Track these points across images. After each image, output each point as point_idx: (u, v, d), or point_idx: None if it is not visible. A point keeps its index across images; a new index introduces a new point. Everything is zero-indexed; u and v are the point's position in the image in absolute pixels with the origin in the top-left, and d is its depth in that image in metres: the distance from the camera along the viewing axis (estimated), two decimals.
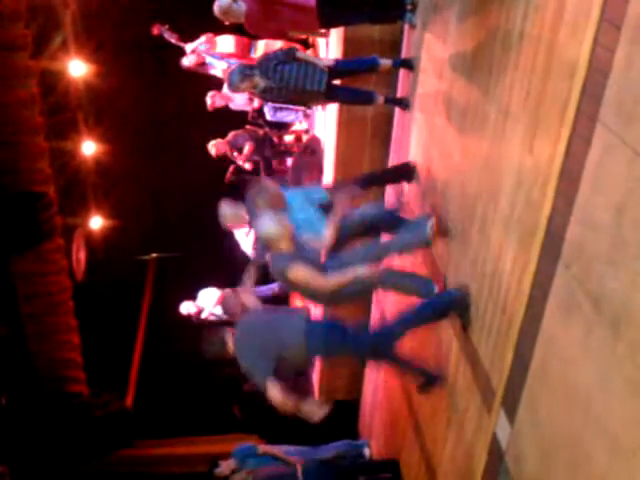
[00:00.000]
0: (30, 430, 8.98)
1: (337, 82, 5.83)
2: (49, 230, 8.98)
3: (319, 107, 8.34)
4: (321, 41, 7.99)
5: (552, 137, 3.06)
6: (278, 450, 6.07)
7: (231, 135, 9.22)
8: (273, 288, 8.36)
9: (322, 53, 8.00)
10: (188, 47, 8.51)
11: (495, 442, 3.70)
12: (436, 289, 4.65)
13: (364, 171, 6.60)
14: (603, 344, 2.60)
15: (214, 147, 9.09)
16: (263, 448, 6.02)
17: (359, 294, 4.88)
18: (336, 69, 5.57)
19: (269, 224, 4.32)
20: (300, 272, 4.28)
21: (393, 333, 4.50)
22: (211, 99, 8.92)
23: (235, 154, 9.19)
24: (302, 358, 4.50)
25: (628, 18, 2.49)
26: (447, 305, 4.37)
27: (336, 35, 6.92)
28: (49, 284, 9.45)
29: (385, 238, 5.31)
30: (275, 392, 4.22)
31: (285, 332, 4.44)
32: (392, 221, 5.11)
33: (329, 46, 7.54)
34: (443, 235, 4.71)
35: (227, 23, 5.88)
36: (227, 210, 5.09)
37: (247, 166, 9.36)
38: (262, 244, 4.55)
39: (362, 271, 4.31)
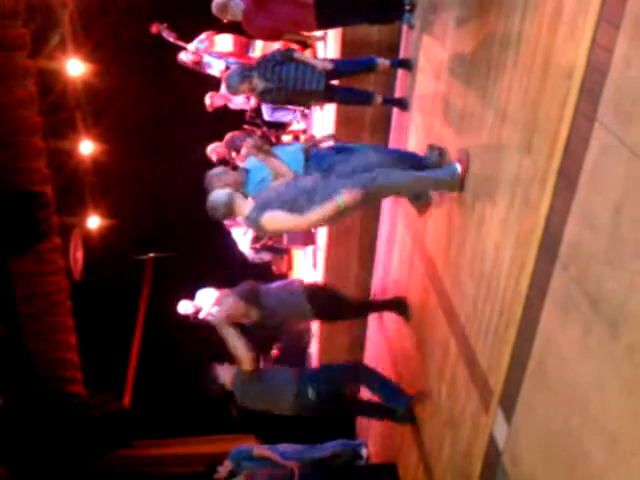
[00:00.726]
0: (28, 431, 8.97)
1: (335, 82, 5.83)
2: (47, 230, 8.98)
3: (317, 107, 8.34)
4: (319, 45, 7.98)
5: (550, 137, 3.06)
6: (274, 455, 6.05)
7: (229, 136, 9.21)
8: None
9: (320, 53, 8.00)
10: (188, 46, 8.50)
11: (492, 442, 3.70)
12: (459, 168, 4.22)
13: None
14: (601, 344, 2.60)
15: (214, 153, 9.07)
16: (258, 451, 6.01)
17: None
18: (334, 69, 5.57)
19: (215, 194, 4.31)
20: (275, 220, 4.12)
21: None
22: (210, 99, 8.91)
23: (234, 155, 9.18)
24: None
25: (626, 18, 2.49)
26: None
27: (334, 36, 6.92)
28: (47, 284, 9.44)
29: None
30: None
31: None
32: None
33: (327, 46, 7.54)
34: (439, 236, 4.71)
35: (225, 21, 5.88)
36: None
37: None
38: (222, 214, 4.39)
39: (343, 199, 4.00)
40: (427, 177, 4.37)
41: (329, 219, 4.17)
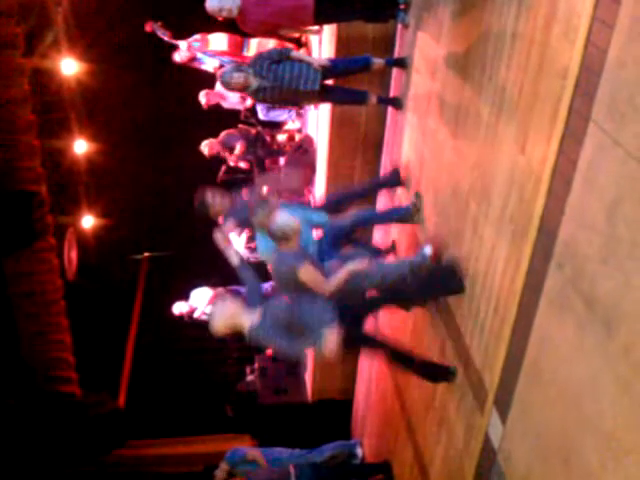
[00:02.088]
0: (22, 431, 8.94)
1: (330, 82, 5.82)
2: (41, 229, 8.94)
3: (311, 107, 8.33)
4: (314, 40, 7.98)
5: (545, 136, 3.06)
6: (264, 460, 6.02)
7: (223, 135, 9.20)
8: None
9: (315, 52, 7.99)
10: (182, 44, 8.48)
11: (487, 441, 3.71)
12: (429, 253, 4.69)
13: (356, 169, 6.61)
14: (596, 343, 2.60)
15: (207, 147, 9.07)
16: (252, 455, 5.99)
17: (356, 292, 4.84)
18: (329, 69, 5.56)
19: (288, 217, 4.38)
20: (310, 272, 4.32)
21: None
22: (205, 97, 8.90)
23: (227, 154, 9.18)
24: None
25: (620, 17, 2.49)
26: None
27: (329, 34, 6.91)
28: (41, 283, 9.40)
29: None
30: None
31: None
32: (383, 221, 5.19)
33: (322, 45, 7.53)
34: (436, 236, 4.71)
35: (220, 19, 5.86)
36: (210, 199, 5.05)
37: (242, 165, 9.34)
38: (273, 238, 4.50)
39: (354, 265, 4.36)
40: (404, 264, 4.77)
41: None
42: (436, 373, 4.56)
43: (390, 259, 5.34)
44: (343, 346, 4.09)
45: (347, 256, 4.83)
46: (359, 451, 7.25)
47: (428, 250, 4.68)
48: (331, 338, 4.04)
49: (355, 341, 4.68)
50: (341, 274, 4.34)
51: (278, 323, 4.10)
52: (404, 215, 5.37)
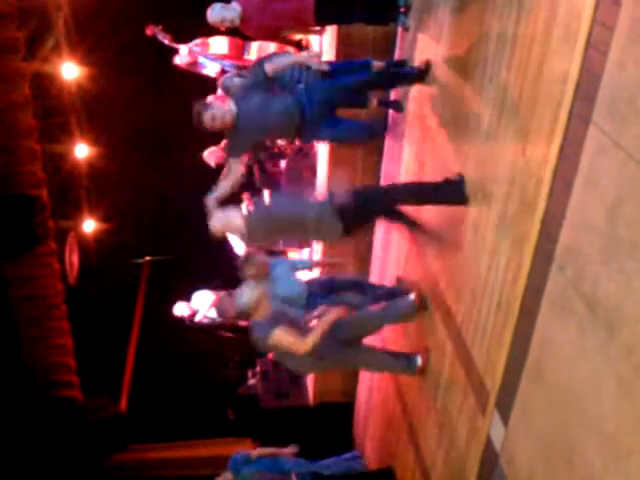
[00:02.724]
0: (23, 435, 8.94)
1: None
2: (42, 234, 8.95)
3: None
4: (314, 41, 7.98)
5: (545, 139, 3.06)
6: (271, 450, 6.05)
7: (226, 141, 9.17)
8: None
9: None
10: (183, 48, 8.48)
11: (489, 444, 3.70)
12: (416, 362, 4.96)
13: (357, 174, 6.60)
14: (597, 345, 2.60)
15: (212, 157, 9.02)
16: (256, 452, 6.00)
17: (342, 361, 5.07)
18: (328, 72, 5.56)
19: (245, 295, 4.47)
20: (282, 338, 4.37)
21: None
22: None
23: None
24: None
25: (621, 20, 2.50)
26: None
27: (329, 36, 6.92)
28: (42, 288, 9.41)
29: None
30: None
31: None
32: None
33: (322, 48, 7.53)
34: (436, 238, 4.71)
35: (223, 29, 5.88)
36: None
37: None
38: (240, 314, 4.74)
39: (330, 316, 4.46)
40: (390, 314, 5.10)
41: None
42: (452, 190, 4.38)
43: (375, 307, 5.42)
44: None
45: (340, 298, 5.14)
46: (360, 463, 7.26)
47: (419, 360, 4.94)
48: None
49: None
50: (317, 329, 4.39)
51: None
52: None
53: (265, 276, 5.04)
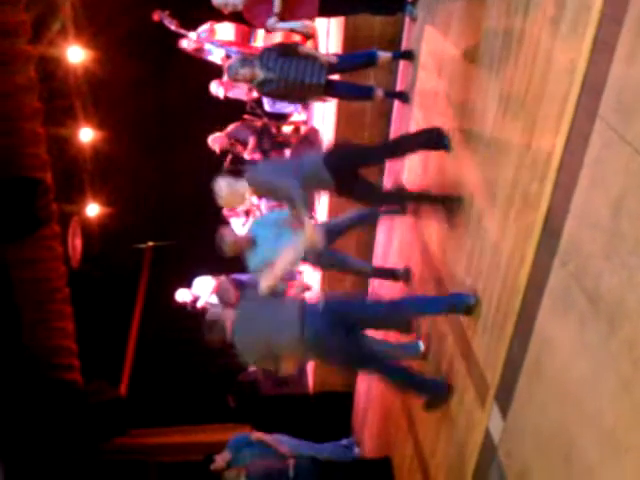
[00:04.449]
0: (23, 418, 8.98)
1: (336, 77, 5.80)
2: (46, 217, 8.95)
3: (316, 102, 8.29)
4: (321, 33, 7.96)
5: (551, 132, 3.05)
6: (271, 439, 6.07)
7: (231, 127, 9.17)
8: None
9: (322, 44, 7.97)
10: (190, 35, 8.46)
11: (488, 437, 3.71)
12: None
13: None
14: (599, 340, 2.60)
15: (216, 143, 9.03)
16: (256, 435, 6.02)
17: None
18: (336, 64, 5.55)
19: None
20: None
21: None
22: (219, 87, 8.87)
23: (239, 147, 9.15)
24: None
25: (629, 13, 2.48)
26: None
27: (336, 28, 6.89)
28: (45, 271, 9.43)
29: None
30: None
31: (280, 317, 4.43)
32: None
33: (329, 38, 7.51)
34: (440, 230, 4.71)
35: (226, 12, 5.86)
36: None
37: (257, 157, 9.32)
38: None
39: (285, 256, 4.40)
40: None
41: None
42: (431, 137, 4.61)
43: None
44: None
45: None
46: (356, 451, 7.31)
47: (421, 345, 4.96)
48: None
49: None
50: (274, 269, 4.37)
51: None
52: None
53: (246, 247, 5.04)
